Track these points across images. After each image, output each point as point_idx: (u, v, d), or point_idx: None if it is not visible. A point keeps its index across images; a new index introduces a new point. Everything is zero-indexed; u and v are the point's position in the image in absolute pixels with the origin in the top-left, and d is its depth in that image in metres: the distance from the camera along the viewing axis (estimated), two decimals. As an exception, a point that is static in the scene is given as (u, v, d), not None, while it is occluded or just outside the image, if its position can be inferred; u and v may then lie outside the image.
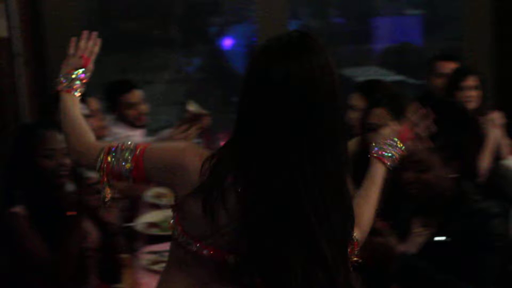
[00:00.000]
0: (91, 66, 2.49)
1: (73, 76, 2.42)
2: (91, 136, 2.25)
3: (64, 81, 2.41)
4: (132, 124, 4.93)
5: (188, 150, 1.98)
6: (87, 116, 4.04)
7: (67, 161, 3.21)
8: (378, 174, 2.34)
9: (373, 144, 2.41)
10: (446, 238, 2.80)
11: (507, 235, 2.87)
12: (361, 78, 6.11)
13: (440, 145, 2.81)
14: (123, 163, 2.03)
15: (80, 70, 2.44)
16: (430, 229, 2.89)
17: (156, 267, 3.30)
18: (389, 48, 7.35)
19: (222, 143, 2.01)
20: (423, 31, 7.32)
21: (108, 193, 2.09)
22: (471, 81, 4.83)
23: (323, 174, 1.87)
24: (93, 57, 2.51)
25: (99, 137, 4.29)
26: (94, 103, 4.40)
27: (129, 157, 2.03)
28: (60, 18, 5.64)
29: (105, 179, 2.07)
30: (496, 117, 4.71)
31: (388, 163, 2.36)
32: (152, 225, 3.86)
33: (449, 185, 2.85)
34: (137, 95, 4.99)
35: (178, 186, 1.96)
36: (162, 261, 3.24)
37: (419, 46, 7.32)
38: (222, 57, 7.28)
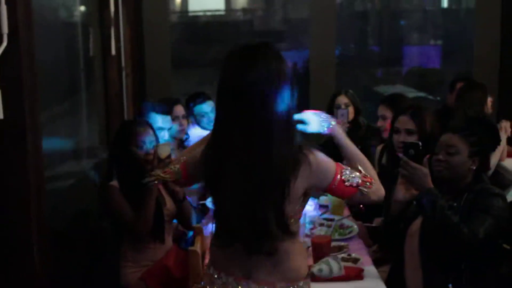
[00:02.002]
0: None
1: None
2: None
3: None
4: (204, 128, 4.88)
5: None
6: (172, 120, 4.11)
7: (152, 151, 3.28)
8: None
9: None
10: (456, 204, 2.82)
11: (504, 212, 2.81)
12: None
13: (471, 142, 2.87)
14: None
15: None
16: (445, 199, 2.87)
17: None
18: (413, 70, 7.26)
19: None
20: (441, 57, 7.21)
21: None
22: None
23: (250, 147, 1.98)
24: None
25: (180, 137, 4.33)
26: (180, 109, 4.39)
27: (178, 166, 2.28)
28: (157, 40, 5.71)
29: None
30: (506, 126, 4.60)
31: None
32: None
33: (468, 173, 2.88)
34: (209, 104, 4.94)
35: None
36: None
37: (437, 69, 7.23)
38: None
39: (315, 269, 2.74)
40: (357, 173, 2.12)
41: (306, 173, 2.03)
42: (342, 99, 4.71)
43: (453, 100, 5.06)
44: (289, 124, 2.03)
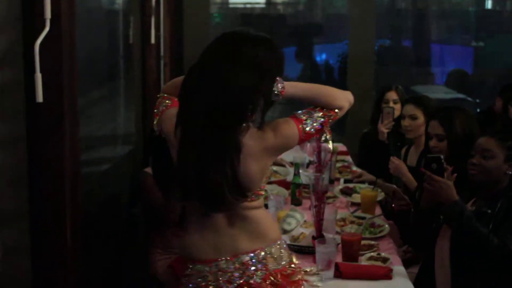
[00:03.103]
0: None
1: None
2: None
3: None
4: None
5: None
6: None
7: None
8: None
9: None
10: (491, 211, 2.76)
11: None
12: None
13: (508, 146, 2.80)
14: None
15: None
16: (479, 204, 2.85)
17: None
18: (453, 71, 7.17)
19: None
20: (482, 59, 7.11)
21: None
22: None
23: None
24: None
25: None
26: None
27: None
28: (196, 31, 5.73)
29: None
30: None
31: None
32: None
33: (504, 178, 2.81)
34: None
35: None
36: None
37: (477, 71, 7.13)
38: (319, 70, 7.24)
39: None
40: (318, 114, 2.13)
41: (267, 144, 2.06)
42: (392, 95, 4.64)
43: (501, 104, 4.98)
44: (252, 103, 2.03)
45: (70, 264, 2.63)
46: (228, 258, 2.11)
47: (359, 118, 5.27)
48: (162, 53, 4.92)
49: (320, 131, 2.15)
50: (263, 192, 2.17)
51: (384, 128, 4.38)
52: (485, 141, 2.86)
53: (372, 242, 3.12)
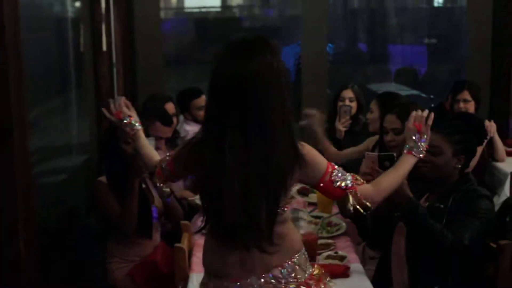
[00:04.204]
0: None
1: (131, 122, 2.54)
2: (154, 155, 2.48)
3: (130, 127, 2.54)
4: (201, 122, 4.80)
5: None
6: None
7: None
8: (407, 161, 2.37)
9: (405, 146, 2.41)
10: (443, 206, 2.79)
11: (491, 213, 2.81)
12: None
13: (455, 140, 2.83)
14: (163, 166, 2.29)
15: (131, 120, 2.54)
16: (432, 200, 2.88)
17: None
18: (405, 68, 7.28)
19: None
20: (433, 56, 7.23)
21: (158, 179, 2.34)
22: (465, 95, 4.74)
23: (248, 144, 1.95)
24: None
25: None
26: (171, 107, 4.38)
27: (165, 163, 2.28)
28: (148, 36, 5.70)
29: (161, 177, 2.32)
30: (490, 126, 4.51)
31: (419, 155, 2.38)
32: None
33: (454, 172, 2.84)
34: (203, 99, 4.86)
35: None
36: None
37: (429, 67, 7.24)
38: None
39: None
40: (349, 176, 2.14)
41: (297, 168, 2.04)
42: (348, 93, 4.70)
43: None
44: (287, 121, 2.00)
45: (25, 277, 2.59)
46: (258, 274, 2.08)
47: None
48: (114, 60, 4.88)
49: (339, 190, 2.14)
50: (289, 206, 2.16)
51: (341, 126, 4.44)
52: (432, 137, 2.87)
53: (329, 241, 3.14)
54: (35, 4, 3.44)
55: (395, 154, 2.84)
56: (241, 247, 2.05)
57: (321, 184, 2.12)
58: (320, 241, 3.04)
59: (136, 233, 3.35)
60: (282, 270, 2.09)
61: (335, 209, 3.67)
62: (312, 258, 2.87)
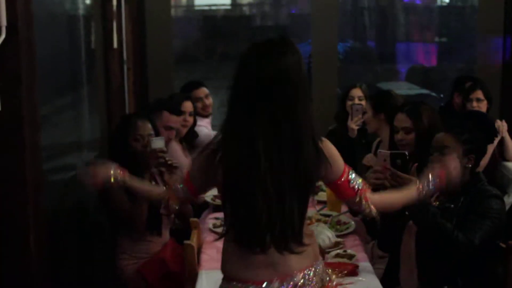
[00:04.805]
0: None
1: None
2: (153, 188, 2.54)
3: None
4: (200, 114, 4.74)
5: None
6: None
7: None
8: (412, 194, 2.32)
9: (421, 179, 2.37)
10: (454, 206, 2.78)
11: (501, 213, 2.80)
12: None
13: (464, 140, 2.81)
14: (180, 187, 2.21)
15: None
16: (442, 200, 2.87)
17: (217, 230, 3.31)
18: (415, 67, 7.26)
19: None
20: (443, 54, 7.21)
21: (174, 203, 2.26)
22: (478, 94, 4.71)
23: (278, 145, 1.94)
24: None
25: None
26: (188, 105, 4.35)
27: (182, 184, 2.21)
28: (159, 34, 5.71)
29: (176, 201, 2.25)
30: (501, 125, 4.47)
31: (421, 194, 2.33)
32: (217, 197, 3.84)
33: (465, 172, 2.82)
34: (202, 91, 4.84)
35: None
36: (222, 225, 3.24)
37: (439, 66, 7.22)
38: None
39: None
40: (360, 179, 2.16)
41: (323, 168, 2.06)
42: (357, 92, 4.70)
43: (461, 99, 5.01)
44: (311, 122, 2.00)
45: (35, 273, 2.61)
46: (280, 278, 2.06)
47: (324, 116, 5.31)
48: (125, 58, 4.90)
49: (352, 191, 2.14)
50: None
51: (354, 125, 4.44)
52: (442, 137, 2.87)
53: (338, 240, 3.14)
54: (47, 1, 3.46)
55: (407, 153, 2.83)
56: (272, 249, 2.03)
57: (338, 182, 2.12)
58: (329, 240, 3.04)
59: (146, 230, 3.36)
60: (305, 274, 2.08)
61: (344, 208, 3.67)
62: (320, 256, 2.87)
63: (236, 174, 1.98)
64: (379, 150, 2.83)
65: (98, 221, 3.72)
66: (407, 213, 2.86)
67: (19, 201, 2.54)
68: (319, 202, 3.77)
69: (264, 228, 1.98)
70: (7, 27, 2.41)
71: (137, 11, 5.45)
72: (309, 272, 2.09)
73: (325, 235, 3.11)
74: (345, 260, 2.89)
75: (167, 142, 3.72)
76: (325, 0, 5.93)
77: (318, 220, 3.41)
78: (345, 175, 2.12)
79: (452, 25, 7.26)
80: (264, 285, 2.06)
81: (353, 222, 3.39)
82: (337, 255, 2.94)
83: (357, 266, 2.81)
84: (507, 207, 3.35)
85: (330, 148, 2.10)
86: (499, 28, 5.95)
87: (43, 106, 2.97)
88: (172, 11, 6.13)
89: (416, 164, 2.83)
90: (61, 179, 3.57)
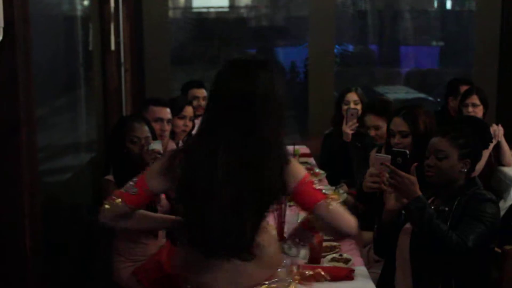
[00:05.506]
0: None
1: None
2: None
3: None
4: (194, 113, 4.79)
5: None
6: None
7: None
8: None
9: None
10: (448, 208, 2.79)
11: (496, 217, 2.81)
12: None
13: (460, 144, 2.82)
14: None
15: None
16: (437, 203, 2.87)
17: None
18: (413, 71, 7.26)
19: None
20: (441, 58, 7.21)
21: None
22: (474, 99, 4.71)
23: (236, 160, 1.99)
24: None
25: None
26: (190, 110, 4.35)
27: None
28: (156, 36, 5.71)
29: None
30: (497, 130, 4.47)
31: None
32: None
33: (460, 176, 2.84)
34: (201, 91, 4.90)
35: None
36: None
37: (437, 70, 7.23)
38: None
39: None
40: (328, 187, 2.18)
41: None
42: (352, 96, 4.71)
43: (457, 103, 5.01)
44: (281, 138, 2.05)
45: (30, 274, 2.60)
46: None
47: (321, 119, 5.32)
48: (122, 60, 4.90)
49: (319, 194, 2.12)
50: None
51: (348, 129, 4.43)
52: (437, 142, 2.88)
53: (334, 244, 3.13)
54: (44, 2, 3.45)
55: (407, 151, 2.83)
56: (223, 256, 2.08)
57: (301, 187, 2.09)
58: (324, 244, 3.03)
59: (142, 232, 3.35)
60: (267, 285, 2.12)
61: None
62: (316, 260, 2.87)
63: (194, 183, 2.03)
64: (376, 154, 2.83)
65: (94, 223, 3.70)
66: (403, 212, 2.86)
67: (15, 202, 2.53)
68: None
69: (216, 236, 2.03)
70: (4, 28, 2.40)
71: (135, 13, 5.45)
72: (273, 281, 2.14)
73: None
74: (341, 264, 2.88)
75: (162, 137, 3.75)
76: (322, 3, 5.94)
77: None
78: (306, 179, 2.10)
79: (450, 30, 7.27)
80: None
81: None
82: (333, 259, 2.93)
83: (353, 270, 2.81)
84: (502, 212, 3.36)
85: (296, 170, 2.10)
86: (496, 32, 5.97)
87: (40, 108, 2.96)
88: (170, 13, 6.14)
89: (416, 163, 2.83)
90: (58, 181, 3.56)
